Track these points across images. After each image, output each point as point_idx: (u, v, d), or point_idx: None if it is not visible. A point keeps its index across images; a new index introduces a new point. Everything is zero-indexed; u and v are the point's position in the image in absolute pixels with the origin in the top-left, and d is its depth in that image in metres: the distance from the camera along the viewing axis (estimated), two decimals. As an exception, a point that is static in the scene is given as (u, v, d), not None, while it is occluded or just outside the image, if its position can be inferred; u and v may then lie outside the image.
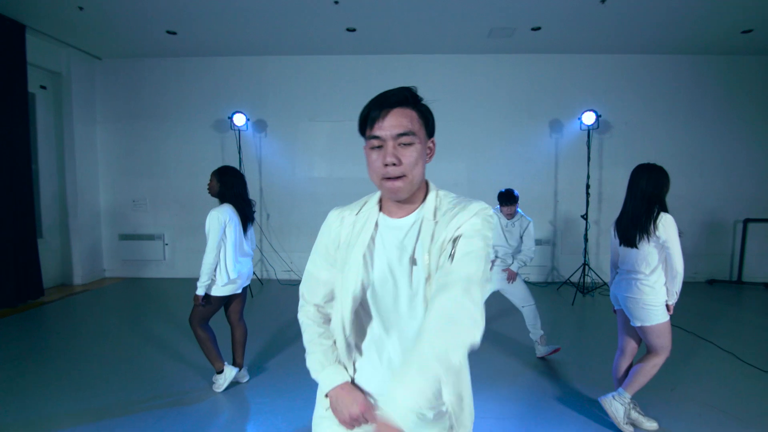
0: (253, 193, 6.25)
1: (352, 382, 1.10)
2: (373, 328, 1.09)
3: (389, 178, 1.00)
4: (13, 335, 4.07)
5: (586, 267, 5.67)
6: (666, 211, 2.33)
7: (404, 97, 1.03)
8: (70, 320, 4.61)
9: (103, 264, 6.61)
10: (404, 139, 1.00)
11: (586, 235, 5.72)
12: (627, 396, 2.40)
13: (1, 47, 4.84)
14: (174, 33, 5.40)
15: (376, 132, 1.01)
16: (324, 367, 1.09)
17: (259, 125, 6.33)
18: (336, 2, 4.53)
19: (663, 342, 2.37)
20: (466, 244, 0.97)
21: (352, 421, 1.02)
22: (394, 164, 0.99)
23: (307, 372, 1.12)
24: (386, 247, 1.06)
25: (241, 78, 6.32)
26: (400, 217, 1.08)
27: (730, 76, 6.18)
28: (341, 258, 1.09)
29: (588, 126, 5.57)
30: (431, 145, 1.09)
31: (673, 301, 2.36)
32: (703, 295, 5.66)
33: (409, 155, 1.00)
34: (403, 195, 1.03)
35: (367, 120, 1.04)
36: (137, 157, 6.51)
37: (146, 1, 4.55)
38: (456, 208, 1.03)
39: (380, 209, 1.11)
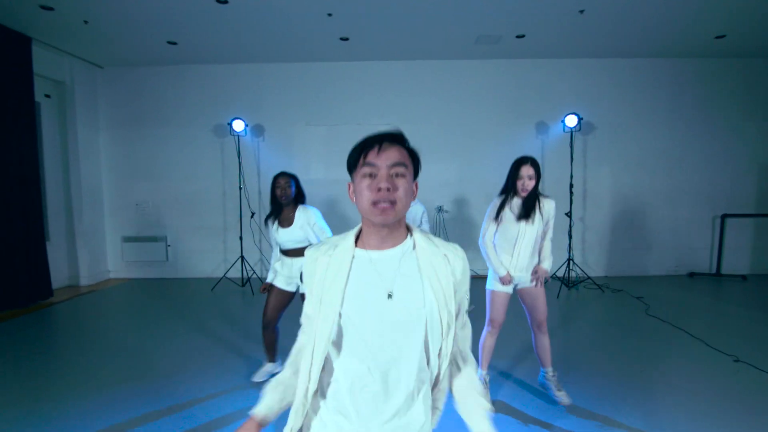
0: (252, 195, 6.55)
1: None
2: (348, 364, 1.04)
3: (380, 203, 0.99)
4: (30, 333, 4.31)
5: (571, 262, 5.96)
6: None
7: (399, 137, 1.06)
8: (81, 319, 4.85)
9: (107, 265, 6.84)
10: (398, 170, 1.01)
11: (570, 231, 6.01)
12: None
13: (9, 59, 5.06)
14: (174, 43, 5.63)
15: (371, 160, 1.01)
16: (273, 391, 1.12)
17: (257, 130, 6.57)
18: (330, 14, 4.78)
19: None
20: (464, 314, 1.15)
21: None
22: (388, 189, 0.99)
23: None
24: (363, 281, 1.03)
25: (239, 84, 6.55)
26: (382, 250, 1.06)
27: (707, 79, 6.47)
28: (316, 296, 1.05)
29: (571, 128, 5.84)
30: (414, 187, 1.09)
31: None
32: (683, 288, 5.95)
33: (401, 185, 1.01)
34: (391, 220, 1.01)
35: (361, 153, 1.03)
36: (139, 161, 6.73)
37: (149, 14, 4.77)
38: (447, 249, 1.09)
39: (356, 245, 1.08)
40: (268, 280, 3.02)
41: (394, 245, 1.06)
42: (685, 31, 5.42)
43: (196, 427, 2.55)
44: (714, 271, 6.65)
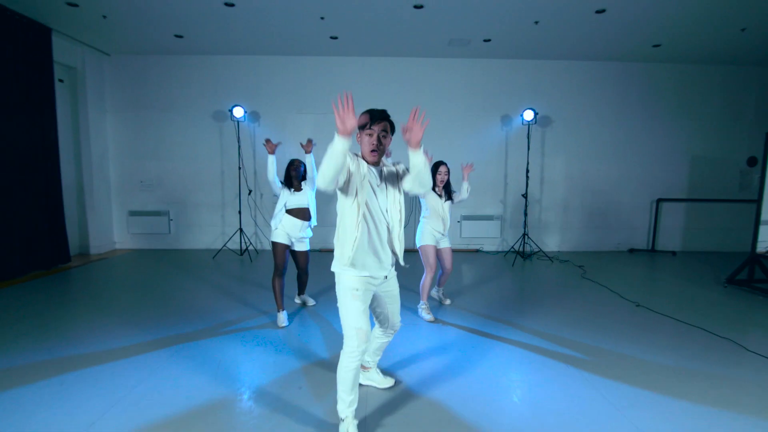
0: (248, 174, 7.28)
1: None
2: (368, 228, 2.07)
3: (373, 151, 2.05)
4: (56, 289, 5.02)
5: (526, 237, 6.93)
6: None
7: (386, 114, 2.07)
8: (99, 278, 5.56)
9: (114, 237, 7.51)
10: (383, 133, 2.06)
11: (525, 210, 6.97)
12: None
13: (32, 48, 5.65)
14: (181, 36, 6.29)
15: (373, 129, 2.03)
16: (341, 144, 1.83)
17: (253, 116, 7.29)
18: (322, 18, 5.54)
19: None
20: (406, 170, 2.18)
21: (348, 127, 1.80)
22: (377, 145, 2.05)
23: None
24: (372, 181, 2.08)
25: (238, 74, 7.24)
26: (372, 166, 2.11)
27: (648, 81, 7.46)
28: (358, 173, 2.02)
29: (528, 121, 6.76)
30: (390, 139, 2.11)
31: None
32: (621, 261, 6.99)
33: (386, 142, 2.07)
34: (377, 159, 2.09)
35: (366, 122, 2.03)
36: (144, 142, 7.38)
37: (162, 10, 5.43)
38: (393, 165, 2.22)
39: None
40: (273, 236, 3.85)
41: (376, 165, 2.13)
42: (626, 39, 6.35)
43: (213, 329, 3.38)
44: (650, 247, 7.74)
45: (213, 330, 3.65)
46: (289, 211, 3.85)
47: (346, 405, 2.05)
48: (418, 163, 1.94)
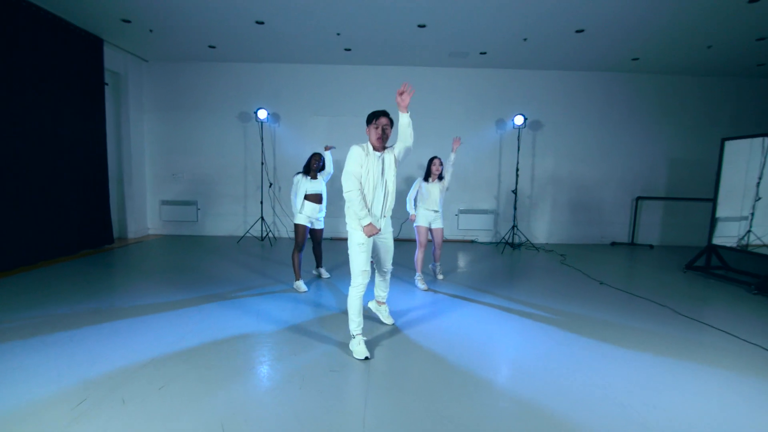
0: (269, 169, 8.14)
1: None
2: (372, 196, 2.91)
3: (379, 138, 2.88)
4: (104, 264, 5.92)
5: (515, 228, 7.75)
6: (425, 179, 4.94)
7: (388, 113, 2.93)
8: (140, 256, 6.45)
9: (147, 223, 8.42)
10: (386, 127, 2.90)
11: (515, 205, 7.79)
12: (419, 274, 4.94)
13: (87, 56, 6.56)
14: (214, 47, 7.18)
15: (378, 122, 2.89)
16: (366, 215, 2.85)
17: (274, 117, 8.17)
18: (338, 34, 6.40)
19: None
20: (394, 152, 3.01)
21: (374, 232, 2.88)
22: (382, 136, 2.89)
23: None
24: (376, 163, 2.90)
25: (261, 80, 8.12)
26: (377, 152, 2.94)
27: (629, 89, 8.25)
28: (365, 167, 2.84)
29: (518, 126, 7.57)
30: (390, 130, 2.93)
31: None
32: (602, 252, 7.78)
33: (389, 133, 2.92)
34: (382, 146, 2.94)
35: (374, 118, 2.89)
36: (176, 139, 8.28)
37: (202, 27, 6.30)
38: (391, 150, 3.02)
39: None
40: (296, 220, 4.72)
41: (380, 151, 2.95)
42: (607, 54, 7.15)
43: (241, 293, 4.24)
44: (630, 241, 8.53)
45: (244, 291, 4.52)
46: (307, 197, 4.72)
47: (356, 325, 2.90)
48: (404, 122, 2.87)
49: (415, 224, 4.93)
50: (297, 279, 4.71)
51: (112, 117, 7.68)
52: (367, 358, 2.83)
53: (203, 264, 5.90)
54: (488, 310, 4.10)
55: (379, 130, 2.86)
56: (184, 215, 8.39)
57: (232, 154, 8.30)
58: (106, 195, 7.09)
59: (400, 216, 7.55)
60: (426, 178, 4.92)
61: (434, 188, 4.86)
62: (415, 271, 5.14)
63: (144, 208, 8.35)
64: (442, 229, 5.04)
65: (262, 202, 7.93)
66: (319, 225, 4.88)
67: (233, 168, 8.32)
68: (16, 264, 5.32)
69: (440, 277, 5.30)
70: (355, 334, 2.91)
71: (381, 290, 3.51)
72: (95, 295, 4.27)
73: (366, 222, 2.84)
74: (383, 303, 3.59)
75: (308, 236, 4.81)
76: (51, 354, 2.84)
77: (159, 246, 7.32)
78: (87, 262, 5.93)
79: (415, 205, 4.99)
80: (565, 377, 2.70)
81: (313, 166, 4.78)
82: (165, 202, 8.37)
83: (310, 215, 4.73)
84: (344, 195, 2.85)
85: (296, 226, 4.71)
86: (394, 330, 3.47)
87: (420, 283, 4.81)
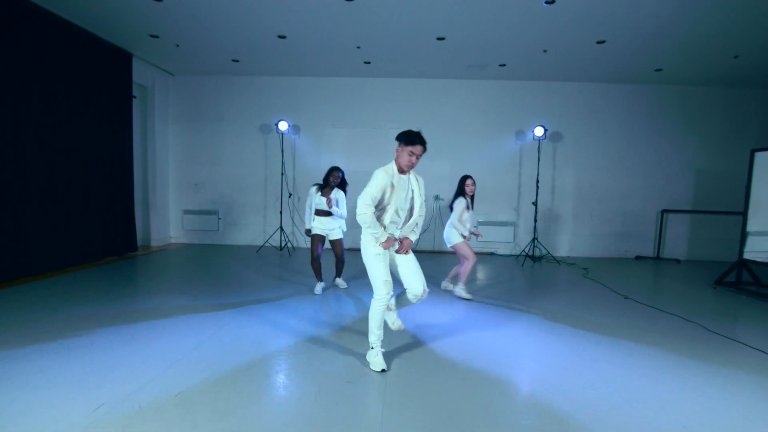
0: (289, 180, 8.24)
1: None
2: (393, 216, 2.85)
3: (409, 165, 2.79)
4: (127, 271, 6.05)
5: (535, 241, 7.62)
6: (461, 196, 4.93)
7: (425, 142, 2.81)
8: (163, 264, 6.56)
9: (170, 232, 8.59)
10: (419, 155, 2.78)
11: (535, 217, 7.67)
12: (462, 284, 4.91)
13: (116, 70, 6.81)
14: (237, 61, 7.36)
15: (411, 149, 2.75)
16: (383, 233, 2.78)
17: (294, 129, 8.29)
18: (358, 47, 6.48)
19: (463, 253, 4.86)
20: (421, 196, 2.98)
21: (391, 243, 2.86)
22: (412, 163, 2.79)
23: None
24: (402, 186, 2.84)
25: (281, 92, 8.28)
26: (401, 175, 2.85)
27: (652, 100, 8.10)
28: (390, 190, 2.77)
29: (538, 137, 7.49)
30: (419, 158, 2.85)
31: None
32: (626, 266, 7.57)
33: (418, 160, 2.80)
34: (407, 172, 2.86)
35: (411, 142, 2.75)
36: (199, 150, 8.48)
37: (227, 41, 6.48)
38: (419, 179, 2.99)
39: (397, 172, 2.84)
40: (307, 227, 4.81)
41: (407, 174, 2.90)
42: (629, 65, 7.04)
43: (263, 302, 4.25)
44: (656, 255, 8.28)
45: (261, 300, 4.54)
46: (318, 212, 4.79)
47: (376, 337, 2.86)
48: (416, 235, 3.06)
49: (452, 243, 4.91)
50: (318, 280, 4.88)
51: (138, 128, 7.91)
52: (383, 370, 2.79)
53: (223, 272, 5.96)
54: (509, 323, 4.01)
55: (413, 158, 2.79)
56: (205, 224, 8.53)
57: (252, 165, 8.43)
58: (131, 204, 7.28)
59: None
60: (464, 195, 4.96)
61: (466, 212, 4.95)
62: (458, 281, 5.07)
63: (167, 217, 8.53)
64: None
65: (281, 212, 8.01)
66: (336, 235, 4.87)
67: (254, 178, 8.45)
68: (43, 270, 5.48)
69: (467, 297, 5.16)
70: (373, 345, 2.87)
71: (397, 304, 3.16)
72: (117, 300, 4.35)
73: (383, 239, 2.81)
74: (392, 310, 3.17)
75: (325, 246, 4.83)
76: (71, 357, 2.89)
77: (181, 254, 7.44)
78: (111, 268, 6.07)
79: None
80: (590, 393, 2.60)
81: (331, 183, 4.78)
82: (187, 212, 8.54)
83: (323, 226, 4.80)
84: (357, 217, 2.78)
85: (310, 235, 4.79)
86: (414, 342, 3.42)
87: (463, 293, 4.84)
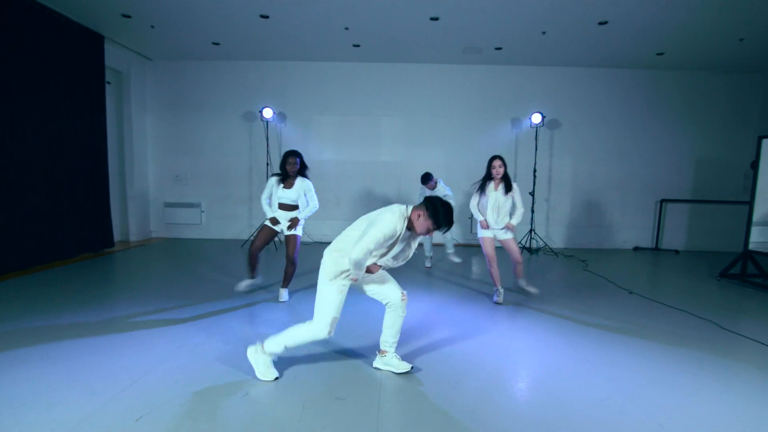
0: (275, 170, 7.83)
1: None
2: (379, 259, 2.59)
3: (423, 233, 2.47)
4: (101, 269, 5.66)
5: (532, 232, 7.35)
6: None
7: (452, 223, 2.51)
8: (139, 261, 6.18)
9: (150, 226, 8.17)
10: (432, 232, 2.50)
11: (532, 207, 7.39)
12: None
13: (87, 54, 6.32)
14: (218, 44, 6.91)
15: (435, 226, 2.45)
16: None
17: (280, 116, 7.88)
18: (346, 28, 6.08)
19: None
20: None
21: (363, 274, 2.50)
22: (428, 234, 2.52)
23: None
24: (403, 239, 2.56)
25: (266, 78, 7.85)
26: (410, 231, 2.56)
27: (652, 86, 7.83)
28: (392, 240, 2.46)
29: (536, 124, 7.19)
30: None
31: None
32: (624, 257, 7.36)
33: (431, 234, 2.60)
34: (423, 235, 2.52)
35: (437, 223, 2.43)
36: (180, 139, 8.03)
37: (204, 22, 6.04)
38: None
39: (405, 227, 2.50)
40: (270, 215, 4.16)
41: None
42: (630, 48, 6.74)
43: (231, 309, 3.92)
44: (654, 245, 8.07)
45: (244, 300, 4.20)
46: (280, 206, 4.14)
47: (282, 349, 2.52)
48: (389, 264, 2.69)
49: (479, 235, 4.35)
50: (249, 277, 4.27)
51: (114, 116, 7.45)
52: (276, 378, 2.55)
53: (203, 270, 5.59)
54: (509, 323, 3.73)
55: (431, 233, 2.56)
56: (187, 218, 8.13)
57: (236, 155, 8.02)
58: (106, 197, 6.84)
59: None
60: (486, 178, 4.30)
61: (494, 195, 4.23)
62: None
63: (147, 210, 8.10)
64: (514, 239, 4.34)
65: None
66: (293, 231, 4.14)
67: (238, 169, 8.05)
68: (5, 269, 5.06)
69: (532, 290, 4.58)
70: (274, 355, 2.60)
71: (390, 335, 2.72)
72: (83, 305, 3.97)
73: (359, 276, 2.49)
74: (387, 352, 2.75)
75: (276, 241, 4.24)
76: (18, 375, 2.53)
77: (160, 250, 7.05)
78: (83, 266, 5.67)
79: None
80: (602, 404, 2.32)
81: (289, 171, 4.06)
82: (168, 204, 8.12)
83: (285, 223, 4.15)
84: (352, 263, 2.36)
85: (262, 227, 4.18)
86: (417, 348, 3.12)
87: (496, 296, 4.35)
